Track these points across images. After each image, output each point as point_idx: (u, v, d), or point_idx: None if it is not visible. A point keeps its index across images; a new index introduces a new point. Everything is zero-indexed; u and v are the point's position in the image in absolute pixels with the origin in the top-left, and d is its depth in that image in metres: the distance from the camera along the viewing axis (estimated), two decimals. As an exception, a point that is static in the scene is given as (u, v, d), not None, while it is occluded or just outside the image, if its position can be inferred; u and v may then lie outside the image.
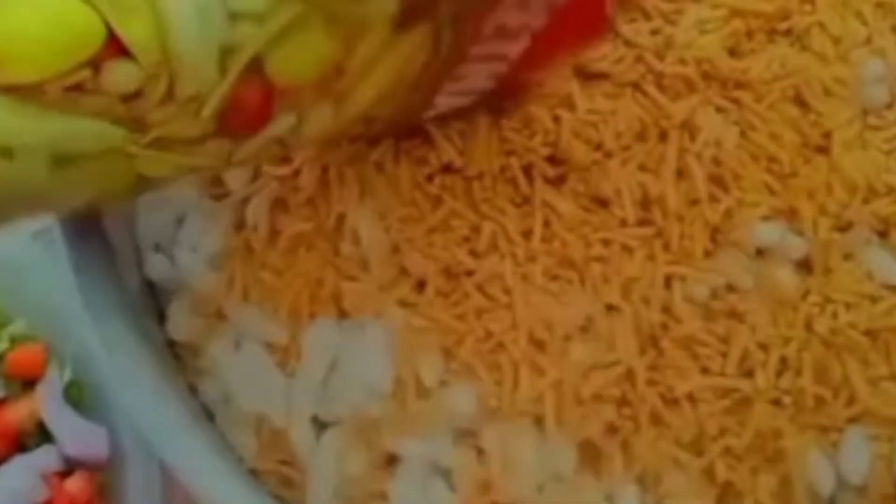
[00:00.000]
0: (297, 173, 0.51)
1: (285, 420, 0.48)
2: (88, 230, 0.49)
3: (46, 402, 0.60)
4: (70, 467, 0.60)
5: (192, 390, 0.50)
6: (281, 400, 0.49)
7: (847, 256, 0.49)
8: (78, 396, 0.61)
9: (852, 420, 0.47)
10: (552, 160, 0.49)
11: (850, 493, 0.47)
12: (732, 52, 0.51)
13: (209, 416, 0.50)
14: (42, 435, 0.61)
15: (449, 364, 0.47)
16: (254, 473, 0.49)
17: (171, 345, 0.51)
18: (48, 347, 0.62)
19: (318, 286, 0.49)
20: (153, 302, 0.52)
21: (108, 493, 0.60)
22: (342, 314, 0.49)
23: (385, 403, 0.48)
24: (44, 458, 0.60)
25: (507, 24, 0.42)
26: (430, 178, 0.49)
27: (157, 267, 0.52)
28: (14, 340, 0.62)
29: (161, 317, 0.52)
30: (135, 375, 0.47)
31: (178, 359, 0.51)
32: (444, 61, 0.41)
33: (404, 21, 0.36)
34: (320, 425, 0.49)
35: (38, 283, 0.62)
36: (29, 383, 0.61)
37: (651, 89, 0.50)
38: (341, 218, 0.50)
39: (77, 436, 0.60)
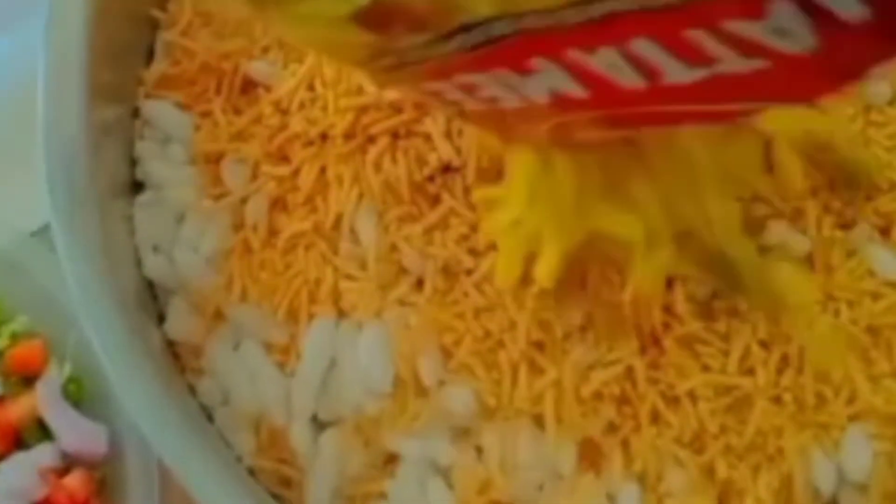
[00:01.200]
0: (296, 173, 0.50)
1: (284, 419, 0.48)
2: (86, 231, 0.49)
3: (46, 399, 0.60)
4: (69, 463, 0.60)
5: (192, 390, 0.50)
6: (280, 399, 0.48)
7: (849, 254, 0.49)
8: (77, 393, 0.61)
9: (853, 418, 0.47)
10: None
11: (852, 492, 0.47)
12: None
13: (208, 416, 0.50)
14: (42, 432, 0.60)
15: (447, 363, 0.47)
16: (252, 472, 0.49)
17: (171, 345, 0.51)
18: (48, 344, 0.61)
19: (317, 285, 0.49)
20: (152, 302, 0.52)
21: (106, 489, 0.60)
22: (341, 313, 0.49)
23: (384, 403, 0.48)
24: (43, 456, 0.60)
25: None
26: (429, 177, 0.49)
27: (156, 267, 0.51)
28: (14, 337, 0.61)
29: (161, 317, 0.52)
30: (133, 377, 0.47)
31: (178, 359, 0.51)
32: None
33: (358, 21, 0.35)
34: (319, 424, 0.49)
35: (38, 279, 0.62)
36: (29, 380, 0.61)
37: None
38: (340, 217, 0.49)
39: (76, 432, 0.60)
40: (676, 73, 0.32)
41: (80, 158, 0.50)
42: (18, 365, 0.61)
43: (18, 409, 0.60)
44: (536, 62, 0.34)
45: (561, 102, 0.36)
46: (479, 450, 0.47)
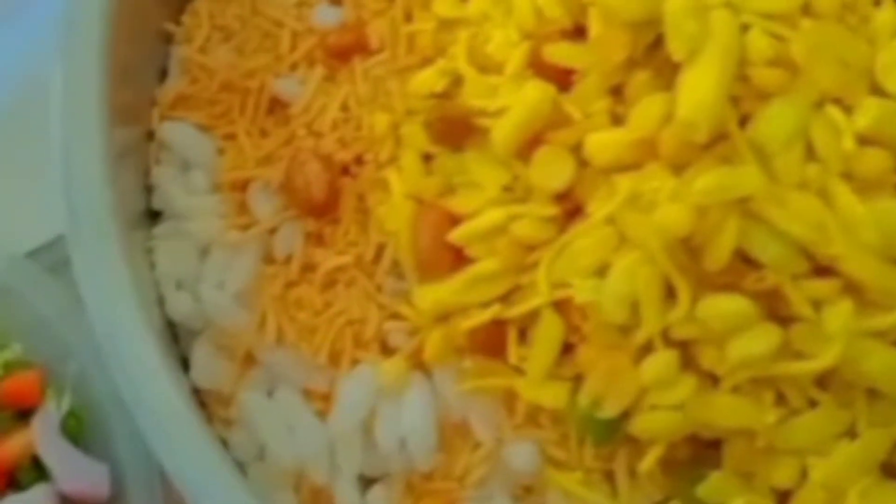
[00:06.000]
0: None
1: (327, 476, 0.45)
2: (113, 267, 0.45)
3: (42, 436, 0.56)
4: (67, 505, 0.56)
5: (223, 443, 0.46)
6: (322, 453, 0.45)
7: None
8: (77, 429, 0.57)
9: None
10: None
11: None
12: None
13: (241, 471, 0.46)
14: (37, 471, 0.56)
15: (509, 415, 0.43)
16: (293, 535, 0.45)
17: (197, 392, 0.47)
18: (45, 374, 0.57)
19: (362, 326, 0.45)
20: (176, 346, 0.48)
21: (107, 535, 0.56)
22: (388, 357, 0.45)
23: (436, 458, 0.44)
24: (38, 498, 0.55)
25: None
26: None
27: (180, 306, 0.47)
28: (8, 367, 0.57)
29: (185, 363, 0.48)
30: (168, 423, 0.43)
31: (205, 408, 0.47)
32: None
33: None
34: (366, 481, 0.45)
35: (33, 304, 0.57)
36: (23, 414, 0.57)
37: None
38: (382, 249, 0.46)
39: (75, 472, 0.56)
40: None
41: (102, 187, 0.45)
42: (12, 398, 0.57)
43: (12, 446, 0.56)
44: None
45: None
46: (544, 509, 0.44)
